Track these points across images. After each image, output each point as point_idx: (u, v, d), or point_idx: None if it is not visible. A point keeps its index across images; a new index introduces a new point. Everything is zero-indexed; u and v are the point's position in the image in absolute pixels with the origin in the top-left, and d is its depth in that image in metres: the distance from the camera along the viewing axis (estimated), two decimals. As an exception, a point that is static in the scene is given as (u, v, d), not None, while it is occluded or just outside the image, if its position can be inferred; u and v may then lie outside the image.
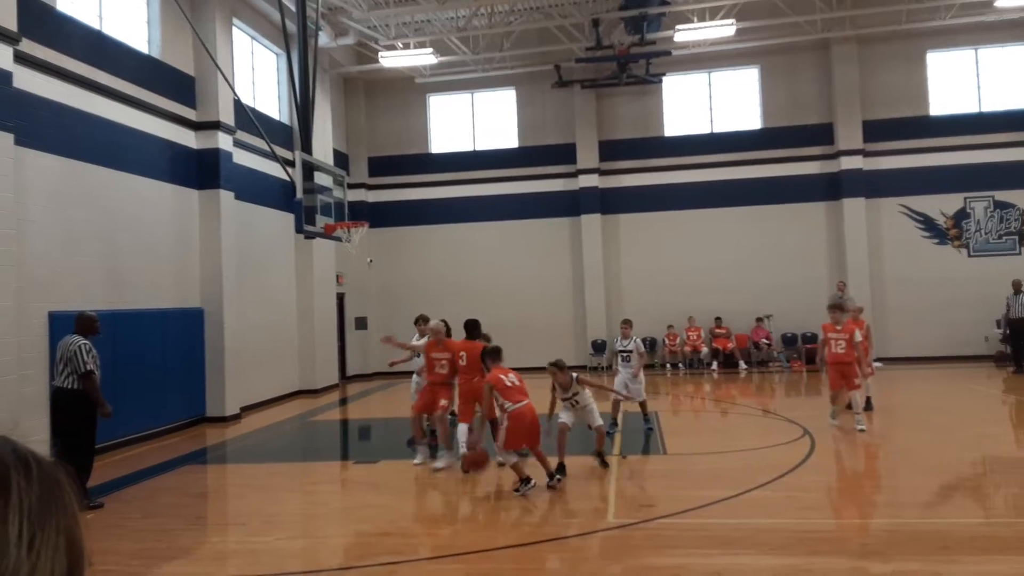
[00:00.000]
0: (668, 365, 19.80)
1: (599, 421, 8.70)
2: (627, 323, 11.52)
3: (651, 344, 20.29)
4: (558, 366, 8.52)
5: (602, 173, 20.87)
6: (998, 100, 19.47)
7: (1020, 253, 19.10)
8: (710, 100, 20.88)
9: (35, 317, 9.70)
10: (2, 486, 0.62)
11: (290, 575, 5.91)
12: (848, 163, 19.70)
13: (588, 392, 8.68)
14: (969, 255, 19.34)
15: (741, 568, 5.78)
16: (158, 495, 8.62)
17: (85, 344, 7.89)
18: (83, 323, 8.10)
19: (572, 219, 20.89)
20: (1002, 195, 19.25)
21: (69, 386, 7.82)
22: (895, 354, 18.97)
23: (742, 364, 19.23)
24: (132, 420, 11.29)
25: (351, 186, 18.48)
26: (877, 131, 19.69)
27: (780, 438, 10.37)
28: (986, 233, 19.36)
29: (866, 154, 19.69)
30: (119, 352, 10.91)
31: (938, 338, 18.97)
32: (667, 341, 19.92)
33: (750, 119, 20.65)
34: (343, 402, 17.04)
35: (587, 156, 20.84)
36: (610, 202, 20.80)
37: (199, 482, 9.77)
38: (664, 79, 20.00)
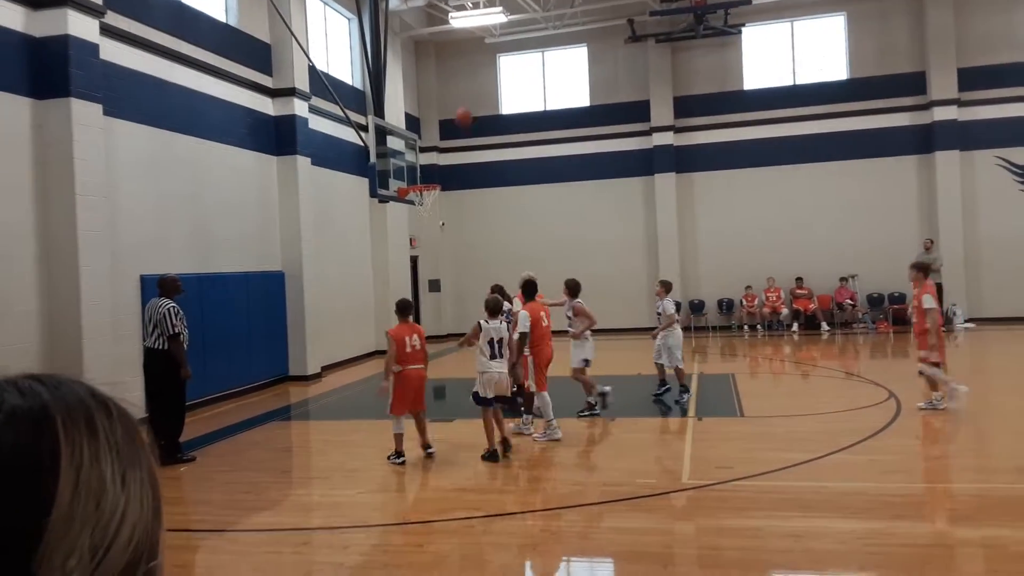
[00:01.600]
0: (746, 327, 19.38)
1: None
2: (661, 284, 10.87)
3: (728, 305, 19.89)
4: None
5: (677, 131, 20.34)
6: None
7: None
8: (792, 51, 19.99)
9: (128, 280, 10.19)
10: (90, 427, 0.64)
11: (372, 527, 6.11)
12: (941, 113, 18.61)
13: None
14: (1074, 209, 18.13)
15: (820, 531, 5.66)
16: (246, 450, 9.01)
17: (173, 307, 8.23)
18: (167, 286, 8.41)
19: (646, 178, 20.48)
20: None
21: (159, 347, 8.19)
22: (990, 315, 18.05)
23: (824, 326, 18.63)
24: (219, 379, 11.80)
25: (423, 149, 18.60)
26: (973, 79, 18.49)
27: (864, 401, 10.05)
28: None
29: (961, 104, 18.54)
30: (206, 314, 11.37)
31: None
32: (744, 302, 19.47)
33: (835, 70, 19.70)
34: (419, 363, 17.35)
35: (661, 113, 20.32)
36: (685, 160, 20.29)
37: (284, 438, 10.17)
38: (744, 30, 19.24)
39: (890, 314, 18.49)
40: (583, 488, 6.94)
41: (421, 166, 16.73)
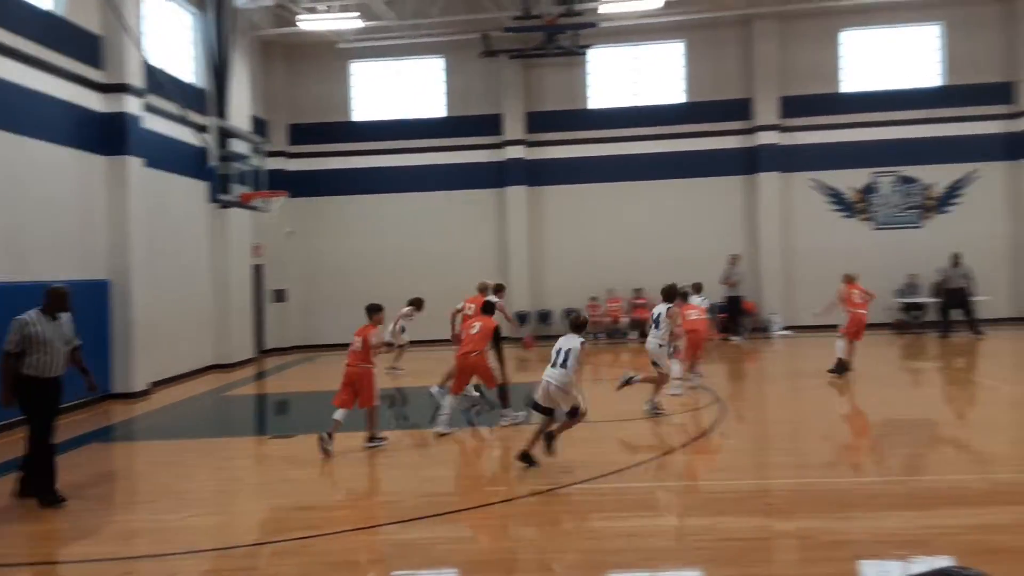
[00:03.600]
0: (590, 336, 20.09)
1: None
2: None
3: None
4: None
5: (528, 144, 20.84)
6: (906, 79, 20.25)
7: (921, 226, 20.06)
8: (636, 73, 21.04)
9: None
10: None
11: (202, 552, 5.77)
12: (765, 138, 20.22)
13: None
14: (874, 228, 20.19)
15: (652, 529, 5.96)
16: (61, 474, 8.26)
17: (21, 319, 6.99)
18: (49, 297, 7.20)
19: (497, 190, 20.83)
20: (907, 170, 20.11)
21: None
22: (806, 323, 19.65)
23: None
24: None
25: (270, 154, 17.94)
26: (793, 107, 20.25)
27: (693, 404, 10.68)
28: (891, 207, 20.24)
29: (782, 129, 20.24)
30: (18, 326, 10.31)
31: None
32: (588, 313, 20.20)
33: (674, 93, 20.94)
34: (259, 376, 16.67)
35: (514, 127, 20.75)
36: (536, 174, 20.82)
37: (104, 460, 9.42)
38: (590, 51, 20.01)
39: (719, 323, 19.79)
40: (428, 500, 6.90)
41: (269, 171, 16.12)
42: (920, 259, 19.27)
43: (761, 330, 19.57)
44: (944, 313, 18.23)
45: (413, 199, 20.83)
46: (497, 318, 10.04)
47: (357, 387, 8.56)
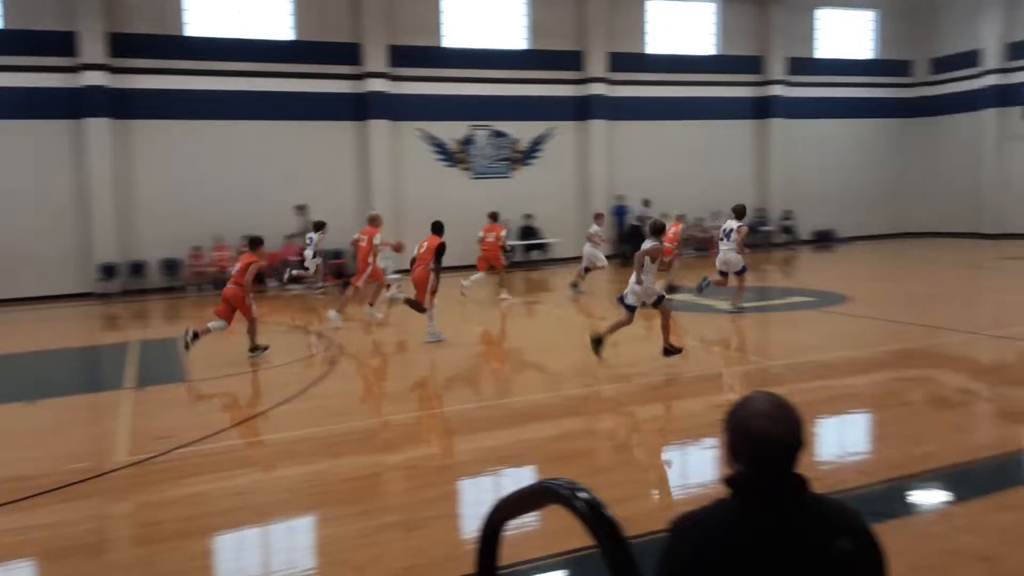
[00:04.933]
0: (195, 287, 18.64)
1: None
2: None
3: (173, 266, 18.83)
4: None
5: (113, 71, 18.21)
6: (498, 40, 22.07)
7: (511, 176, 22.32)
8: (240, 1, 19.57)
9: None
10: None
11: None
12: (374, 85, 20.48)
13: None
14: (471, 177, 21.93)
15: (266, 483, 5.77)
16: None
17: None
18: None
19: (73, 123, 17.89)
20: (499, 125, 22.11)
21: None
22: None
23: (271, 282, 19.03)
24: None
25: None
26: (401, 57, 20.77)
27: (308, 351, 10.59)
28: (485, 158, 22.14)
29: (391, 78, 20.67)
30: None
31: (447, 252, 21.16)
32: (192, 261, 18.70)
33: (281, 28, 20.00)
34: None
35: (92, 49, 17.91)
36: (122, 105, 18.32)
37: None
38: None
39: (332, 269, 19.84)
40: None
41: None
42: (510, 206, 21.45)
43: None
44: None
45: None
46: None
47: (233, 304, 10.02)
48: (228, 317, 10.09)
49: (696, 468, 5.95)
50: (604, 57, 22.74)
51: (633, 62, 23.31)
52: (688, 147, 23.82)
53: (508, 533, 2.05)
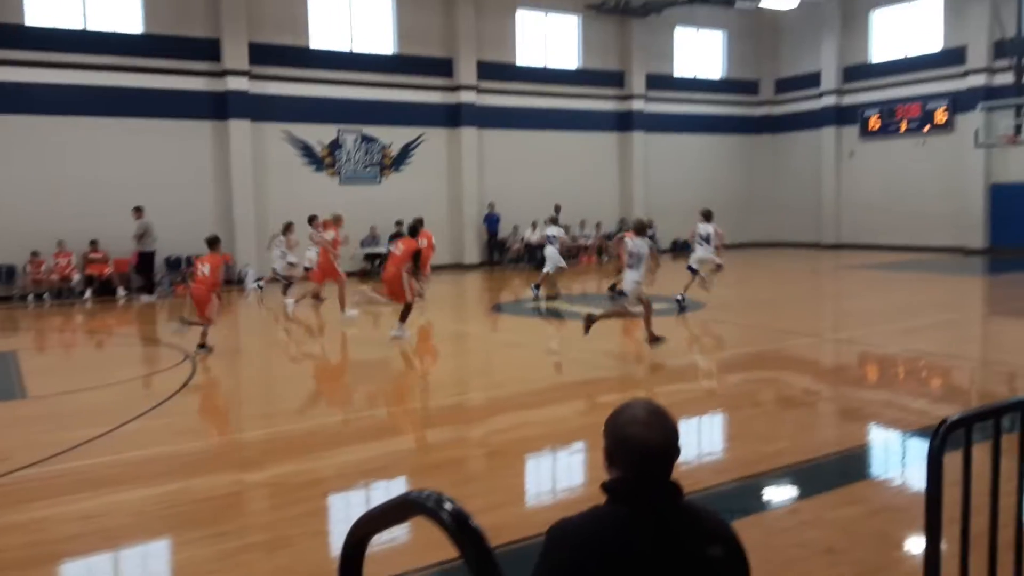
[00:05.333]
0: (32, 297, 17.14)
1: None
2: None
3: (8, 273, 17.27)
4: None
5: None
6: (366, 43, 21.73)
7: (380, 183, 22.01)
8: (81, -8, 18.25)
9: None
10: None
11: None
12: (235, 83, 19.64)
13: None
14: (340, 182, 21.45)
15: (114, 506, 5.35)
16: None
17: None
18: None
19: None
20: (369, 130, 21.76)
21: None
22: (265, 274, 19.90)
23: (121, 291, 17.83)
24: None
25: None
26: (264, 55, 20.03)
27: (161, 364, 9.97)
28: (355, 163, 21.73)
29: (252, 76, 19.90)
30: None
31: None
32: (30, 269, 17.20)
33: (131, 21, 18.80)
34: None
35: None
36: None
37: None
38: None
39: (187, 276, 18.83)
40: None
41: None
42: (380, 213, 21.16)
43: (237, 282, 19.25)
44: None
45: None
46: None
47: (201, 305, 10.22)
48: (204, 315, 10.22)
49: (567, 473, 6.06)
50: (474, 65, 22.90)
51: (502, 72, 23.62)
52: (555, 157, 24.39)
53: (376, 548, 1.99)
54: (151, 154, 18.73)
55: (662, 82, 26.85)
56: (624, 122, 26.10)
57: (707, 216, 14.06)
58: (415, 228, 11.69)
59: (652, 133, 26.47)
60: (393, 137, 22.10)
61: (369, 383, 9.33)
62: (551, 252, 15.38)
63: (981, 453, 2.65)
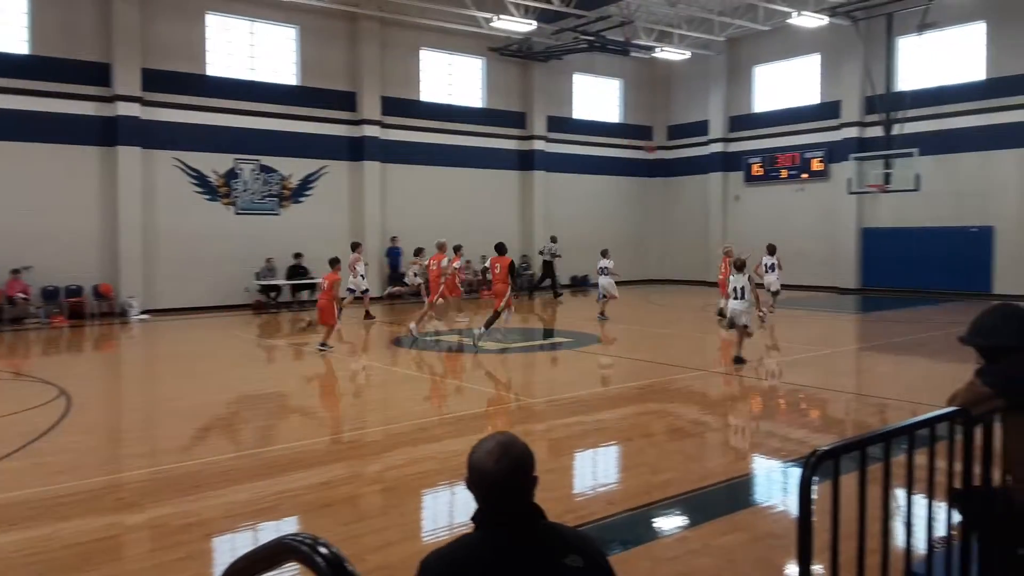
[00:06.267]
0: None
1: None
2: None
3: None
4: None
5: None
6: (267, 73, 21.39)
7: (279, 214, 21.53)
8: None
9: None
10: None
11: None
12: (125, 109, 18.88)
13: None
14: (236, 213, 20.85)
15: (-31, 556, 4.93)
16: None
17: None
18: None
19: None
20: (267, 160, 21.30)
21: None
22: (164, 305, 19.13)
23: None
24: None
25: None
26: (157, 81, 19.38)
27: (32, 401, 9.33)
28: (252, 193, 21.18)
29: (144, 103, 19.19)
30: None
31: (204, 290, 19.90)
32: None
33: (16, 41, 17.86)
34: None
35: None
36: None
37: None
38: None
39: (66, 307, 17.79)
40: None
41: None
42: (278, 244, 20.68)
43: (119, 314, 18.31)
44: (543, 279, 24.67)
45: None
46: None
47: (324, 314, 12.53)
48: None
49: (461, 507, 6.03)
50: (378, 100, 22.90)
51: (407, 107, 23.71)
52: (459, 193, 24.57)
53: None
54: (33, 179, 17.72)
55: (562, 124, 27.60)
56: (526, 161, 26.62)
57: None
58: (502, 247, 14.51)
59: (552, 172, 27.09)
60: (293, 168, 21.72)
61: (253, 419, 9.02)
62: (605, 282, 17.57)
63: (852, 481, 2.82)
